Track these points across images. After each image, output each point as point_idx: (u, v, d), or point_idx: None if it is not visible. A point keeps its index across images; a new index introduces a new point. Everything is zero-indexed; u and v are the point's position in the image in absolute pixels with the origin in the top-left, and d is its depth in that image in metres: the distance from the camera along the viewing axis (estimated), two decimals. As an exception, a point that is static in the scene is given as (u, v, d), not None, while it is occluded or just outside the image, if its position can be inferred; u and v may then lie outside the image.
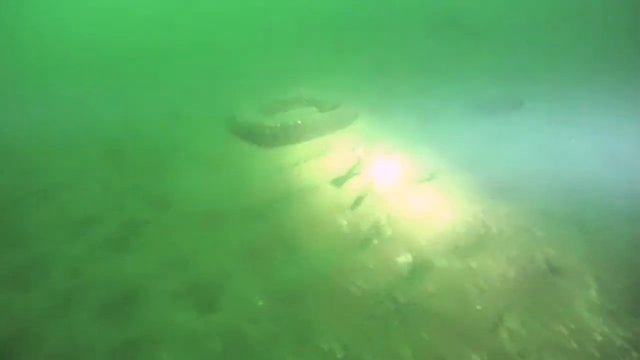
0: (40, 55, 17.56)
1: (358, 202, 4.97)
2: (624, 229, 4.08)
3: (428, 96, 8.11)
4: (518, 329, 2.99)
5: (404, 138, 6.39)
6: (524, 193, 4.58)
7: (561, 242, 3.80)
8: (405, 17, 13.75)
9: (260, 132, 6.99)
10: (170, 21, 18.78)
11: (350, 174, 5.60)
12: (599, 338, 2.90)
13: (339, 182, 5.49)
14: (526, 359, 2.77)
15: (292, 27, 15.51)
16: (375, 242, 4.31)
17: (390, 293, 3.61)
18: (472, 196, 4.66)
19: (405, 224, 4.44)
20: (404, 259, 4.01)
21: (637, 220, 4.21)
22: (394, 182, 5.17)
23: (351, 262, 4.09)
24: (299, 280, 3.99)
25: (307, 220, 4.90)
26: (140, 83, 12.77)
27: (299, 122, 6.88)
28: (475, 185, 4.86)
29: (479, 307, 3.28)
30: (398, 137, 6.46)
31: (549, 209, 4.28)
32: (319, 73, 10.64)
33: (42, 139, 9.36)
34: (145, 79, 13.08)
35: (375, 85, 9.15)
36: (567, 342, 2.85)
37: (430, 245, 4.08)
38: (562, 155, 5.24)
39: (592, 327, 2.98)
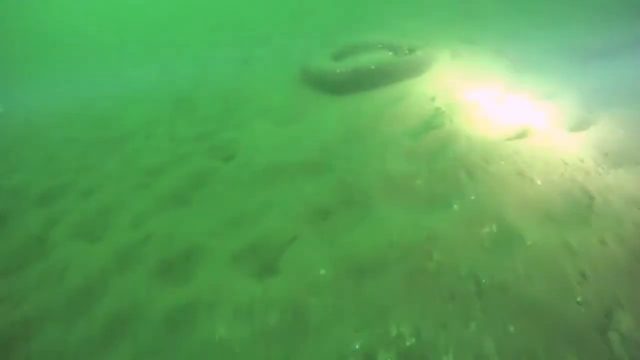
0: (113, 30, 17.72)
1: (435, 158, 4.40)
2: None
3: (522, 41, 7.14)
4: (632, 332, 2.41)
5: (492, 87, 5.61)
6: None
7: (687, 221, 3.07)
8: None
9: (331, 78, 6.47)
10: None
11: (428, 126, 4.98)
12: None
13: (415, 134, 4.91)
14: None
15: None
16: (456, 207, 3.76)
17: (471, 270, 3.10)
18: (573, 159, 3.93)
19: (490, 187, 3.84)
20: (489, 229, 3.46)
21: None
22: (478, 138, 4.51)
23: (426, 231, 3.59)
24: (367, 248, 3.57)
25: (378, 177, 4.41)
26: (213, 37, 12.47)
27: (372, 66, 6.26)
28: (578, 145, 4.11)
29: (579, 299, 2.71)
30: (485, 86, 5.69)
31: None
32: (397, 18, 9.76)
33: (119, 94, 9.37)
34: (220, 32, 12.77)
35: (459, 29, 8.21)
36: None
37: (520, 214, 3.48)
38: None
39: None
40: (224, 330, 3.23)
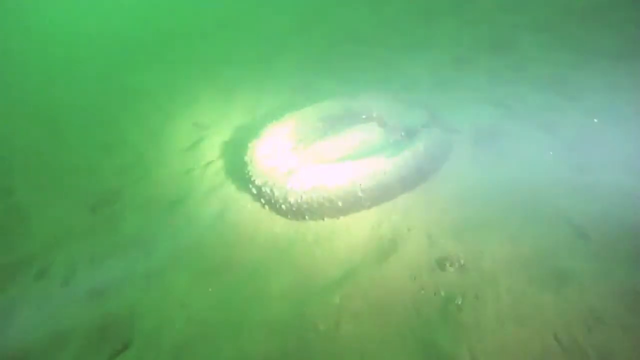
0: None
1: None
2: None
3: (590, 106, 4.57)
4: None
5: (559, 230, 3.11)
6: None
7: None
8: None
9: (281, 199, 4.05)
10: None
11: (431, 346, 2.51)
12: None
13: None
14: None
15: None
16: None
17: None
18: None
19: None
20: None
21: None
22: None
23: None
24: None
25: None
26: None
27: (343, 189, 3.80)
28: None
29: None
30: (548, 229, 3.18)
31: None
32: (394, 53, 7.12)
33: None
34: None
35: (484, 77, 5.59)
36: None
37: None
38: None
39: None
40: None
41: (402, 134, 4.34)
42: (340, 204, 3.79)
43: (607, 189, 3.52)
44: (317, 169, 4.03)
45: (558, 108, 4.64)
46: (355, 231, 3.69)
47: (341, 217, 3.88)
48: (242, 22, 11.72)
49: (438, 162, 4.05)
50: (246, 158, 4.69)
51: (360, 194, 3.76)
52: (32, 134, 8.37)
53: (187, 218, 4.75)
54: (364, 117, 4.95)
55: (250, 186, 4.43)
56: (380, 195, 3.81)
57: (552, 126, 4.34)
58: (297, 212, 4.00)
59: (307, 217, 3.98)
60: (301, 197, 3.88)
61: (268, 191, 4.13)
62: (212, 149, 5.98)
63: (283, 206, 4.05)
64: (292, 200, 3.94)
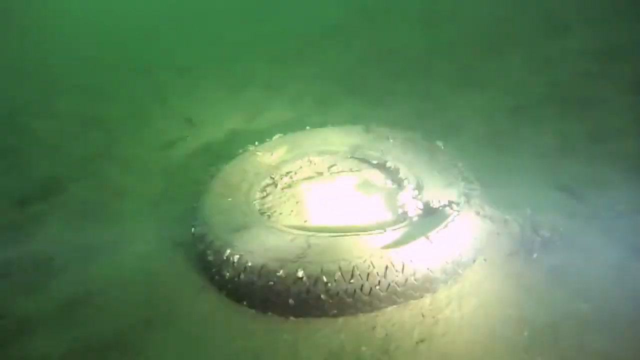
0: None
1: None
2: None
3: None
4: None
5: None
6: None
7: None
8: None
9: (215, 272, 2.71)
10: None
11: None
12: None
13: None
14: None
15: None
16: None
17: None
18: None
19: None
20: None
21: None
22: None
23: None
24: None
25: None
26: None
27: (299, 285, 2.41)
28: None
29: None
30: None
31: None
32: (432, 89, 5.62)
33: None
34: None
35: (554, 147, 4.07)
36: None
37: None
38: None
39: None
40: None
41: (419, 207, 2.91)
42: (291, 301, 2.41)
43: None
44: (277, 238, 2.66)
45: None
46: (302, 353, 2.30)
47: (291, 318, 2.51)
48: (271, 15, 10.48)
49: (458, 266, 2.60)
50: (201, 187, 3.37)
51: (323, 296, 2.36)
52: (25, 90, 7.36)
53: (111, 246, 3.48)
54: (375, 162, 3.55)
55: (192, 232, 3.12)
56: (355, 303, 2.40)
57: (642, 244, 2.82)
58: (233, 292, 2.65)
59: (245, 302, 2.62)
60: (240, 275, 2.53)
61: (203, 249, 2.80)
62: (186, 157, 4.71)
63: (217, 277, 2.71)
64: (228, 274, 2.59)
